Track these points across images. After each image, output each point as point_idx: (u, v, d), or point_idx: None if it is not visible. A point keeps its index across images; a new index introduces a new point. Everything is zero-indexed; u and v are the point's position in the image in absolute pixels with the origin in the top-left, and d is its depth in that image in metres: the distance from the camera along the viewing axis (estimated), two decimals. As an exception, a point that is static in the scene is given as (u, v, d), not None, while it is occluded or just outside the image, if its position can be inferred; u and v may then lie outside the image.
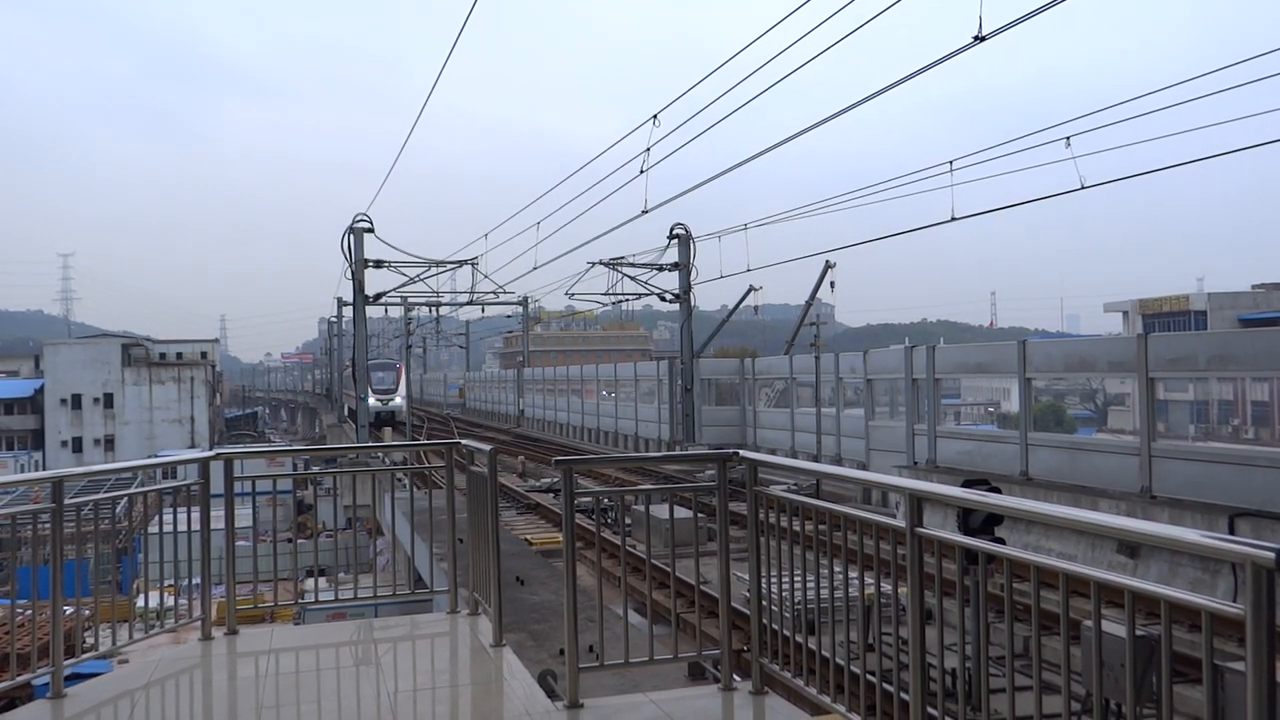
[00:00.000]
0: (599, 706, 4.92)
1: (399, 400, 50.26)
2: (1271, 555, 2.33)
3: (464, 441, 6.94)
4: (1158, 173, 14.18)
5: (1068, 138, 14.69)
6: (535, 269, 38.22)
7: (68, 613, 5.58)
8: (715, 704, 5.02)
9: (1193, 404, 35.70)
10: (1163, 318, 44.57)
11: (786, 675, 4.75)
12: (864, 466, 23.85)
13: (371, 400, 46.39)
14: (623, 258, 33.52)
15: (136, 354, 77.63)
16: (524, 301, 46.33)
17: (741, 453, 5.12)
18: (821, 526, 4.52)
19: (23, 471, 55.89)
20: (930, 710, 3.80)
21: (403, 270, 32.33)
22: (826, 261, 42.73)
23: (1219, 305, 42.55)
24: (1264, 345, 14.08)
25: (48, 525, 5.16)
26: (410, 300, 35.78)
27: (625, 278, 33.80)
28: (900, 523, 3.86)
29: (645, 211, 24.05)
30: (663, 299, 34.43)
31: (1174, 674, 2.78)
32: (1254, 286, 47.21)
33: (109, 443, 72.79)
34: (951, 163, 17.52)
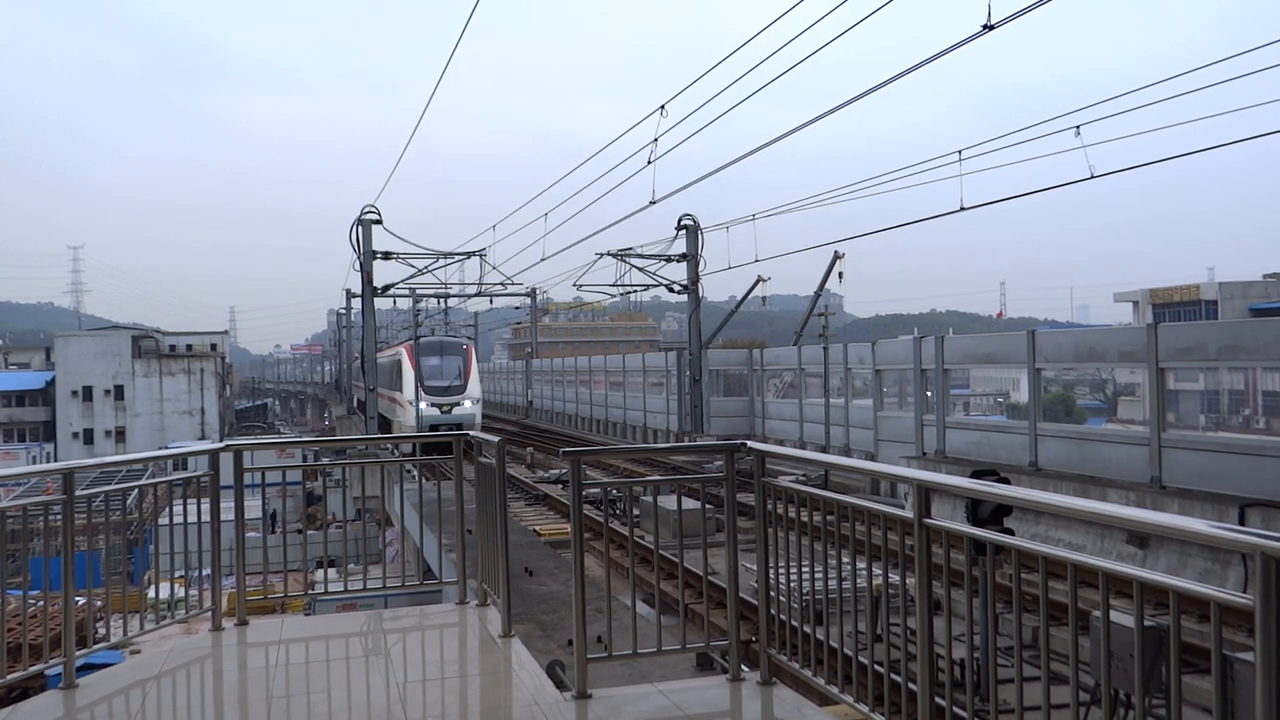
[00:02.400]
0: (607, 697, 4.93)
1: (469, 405, 33.53)
2: (1281, 546, 2.31)
3: (472, 433, 6.96)
4: (1168, 161, 14.11)
5: (1077, 127, 14.62)
6: (543, 260, 38.27)
7: (79, 604, 5.62)
8: (723, 694, 5.03)
9: (1203, 394, 35.51)
10: (1173, 307, 44.32)
11: (794, 666, 4.76)
12: (872, 457, 23.82)
13: (424, 405, 32.10)
14: (631, 249, 33.51)
15: (147, 346, 77.96)
16: (532, 293, 45.83)
17: (749, 444, 5.12)
18: (829, 517, 4.52)
19: (34, 463, 56.23)
20: (938, 700, 3.80)
21: (411, 262, 32.37)
22: (835, 252, 42.54)
23: (1230, 295, 42.26)
24: (1275, 335, 13.99)
25: (59, 517, 5.19)
26: (418, 292, 35.68)
27: (633, 269, 33.79)
28: (908, 513, 3.85)
29: (653, 202, 24.00)
30: (671, 290, 34.42)
31: (1183, 664, 2.78)
32: (1265, 276, 46.88)
33: (120, 434, 73.13)
34: (960, 152, 17.46)
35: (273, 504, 25.00)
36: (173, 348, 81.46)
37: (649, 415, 39.77)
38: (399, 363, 35.21)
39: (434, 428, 29.91)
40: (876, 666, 4.15)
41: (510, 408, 66.52)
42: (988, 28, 11.83)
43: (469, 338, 40.27)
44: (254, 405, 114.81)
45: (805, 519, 4.67)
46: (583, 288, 35.39)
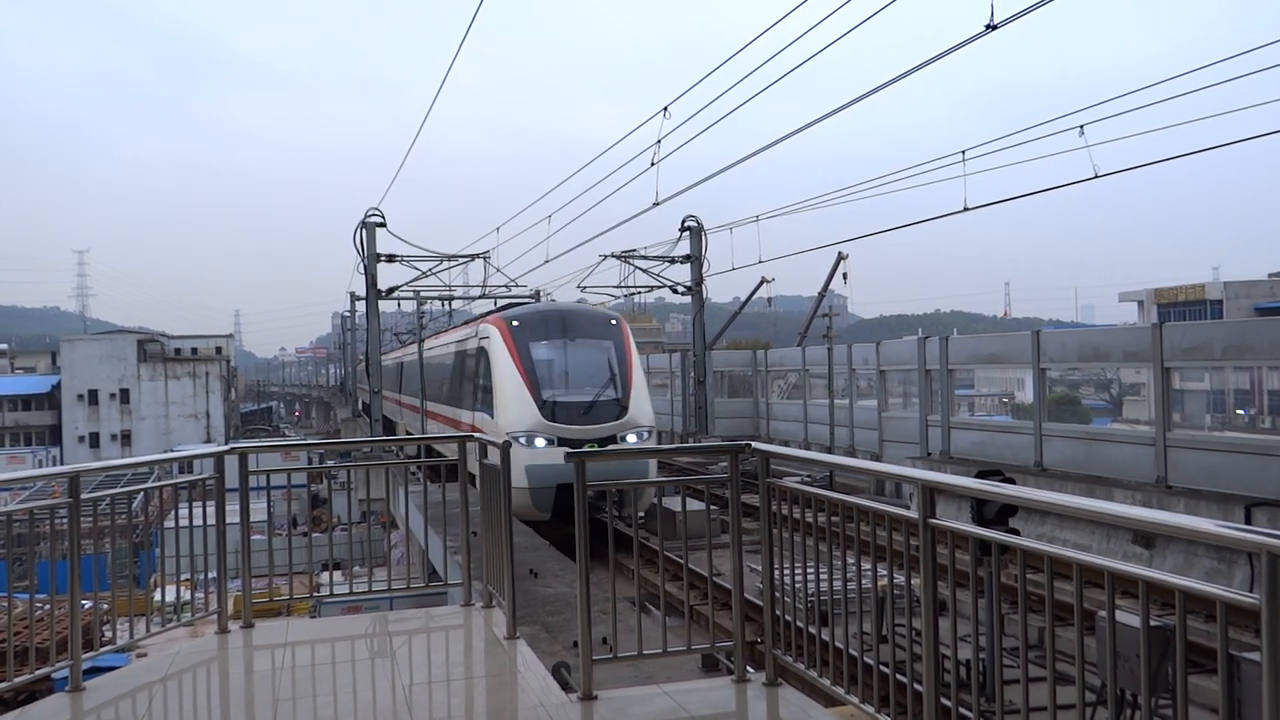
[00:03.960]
0: (613, 698, 4.94)
1: (635, 440, 17.69)
2: (1287, 545, 2.31)
3: (477, 434, 6.96)
4: (1172, 161, 14.07)
5: (1081, 126, 14.58)
6: (547, 262, 38.13)
7: (86, 607, 5.63)
8: (729, 695, 5.03)
9: (1208, 393, 35.44)
10: (1178, 307, 44.22)
11: (800, 667, 4.75)
12: (877, 458, 23.79)
13: (541, 443, 16.72)
14: (635, 250, 33.50)
15: (152, 350, 78.08)
16: (536, 295, 45.70)
17: (754, 445, 5.12)
18: (834, 518, 4.52)
19: (40, 467, 56.33)
20: (944, 701, 3.80)
21: (415, 264, 32.37)
22: (839, 252, 42.58)
23: (1235, 294, 42.16)
24: (1280, 334, 13.96)
25: (65, 520, 5.21)
26: (423, 294, 35.64)
27: (637, 270, 33.77)
28: (913, 514, 3.85)
29: (656, 204, 24.00)
30: (675, 291, 34.40)
31: (1189, 664, 2.77)
32: (1271, 275, 46.82)
33: (125, 438, 73.25)
34: (964, 152, 17.43)
35: (282, 506, 25.06)
36: (178, 351, 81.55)
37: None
38: (483, 353, 18.69)
39: (563, 491, 14.58)
40: (882, 667, 4.15)
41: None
42: (991, 27, 11.82)
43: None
44: (259, 408, 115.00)
45: (810, 520, 4.67)
46: (587, 289, 35.35)
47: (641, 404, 17.67)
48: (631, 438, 17.14)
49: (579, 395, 17.38)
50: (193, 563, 6.33)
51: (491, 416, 17.28)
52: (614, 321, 19.05)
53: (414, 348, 33.09)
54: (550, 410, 16.96)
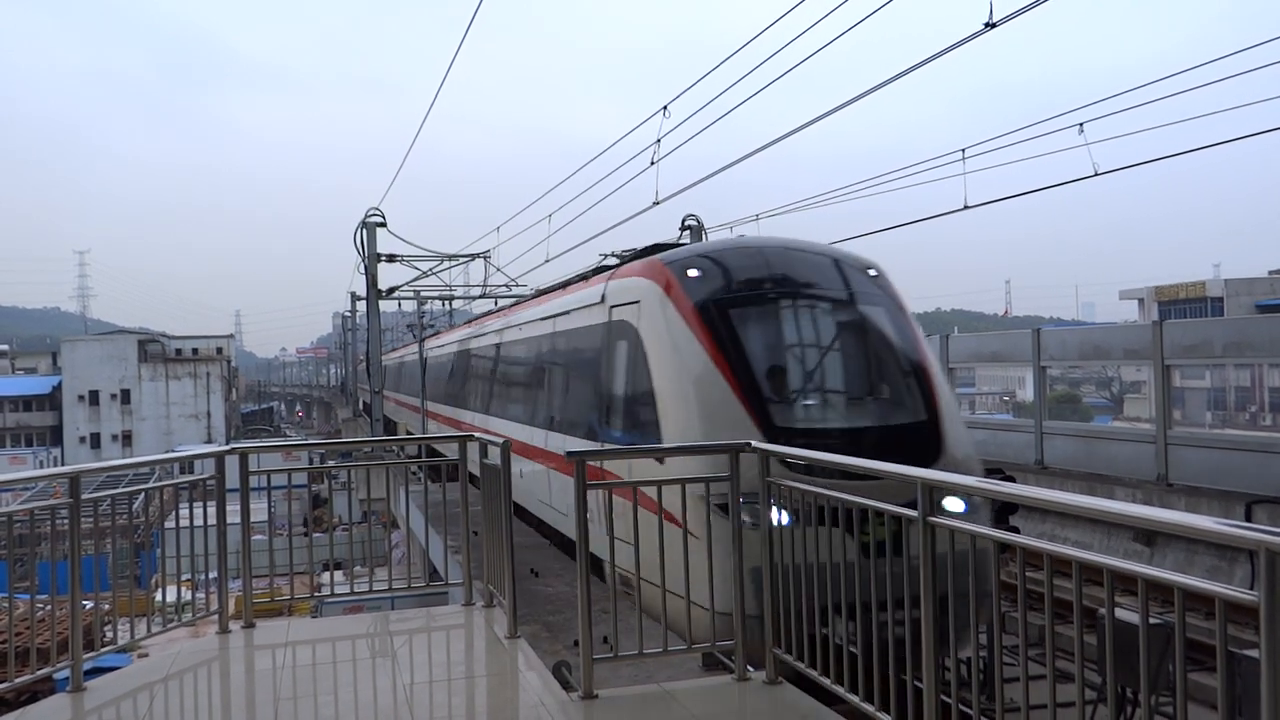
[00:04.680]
0: (614, 697, 4.94)
1: (965, 506, 6.31)
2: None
3: (477, 434, 6.97)
4: (1172, 158, 14.04)
5: (1080, 124, 14.55)
6: (547, 261, 37.96)
7: (87, 607, 5.63)
8: (730, 694, 5.04)
9: (1209, 391, 35.45)
10: (1179, 305, 44.19)
11: (800, 665, 4.76)
12: (878, 456, 23.75)
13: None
14: (635, 249, 33.46)
15: (153, 350, 78.07)
16: (537, 294, 45.40)
17: (754, 444, 5.13)
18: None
19: (41, 468, 56.35)
20: (944, 699, 3.80)
21: (415, 264, 32.34)
22: (839, 251, 42.48)
23: (1236, 292, 42.12)
24: (1281, 331, 13.96)
25: (66, 520, 5.21)
26: (423, 294, 35.54)
27: (638, 270, 33.66)
28: (914, 512, 3.86)
29: (657, 203, 23.96)
30: (675, 290, 34.32)
31: (1189, 661, 2.77)
32: (1271, 272, 46.74)
33: (127, 438, 73.25)
34: (964, 150, 17.40)
35: (283, 506, 25.02)
36: (179, 351, 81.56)
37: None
38: (626, 331, 9.23)
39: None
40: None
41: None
42: (989, 25, 11.80)
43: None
44: (260, 408, 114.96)
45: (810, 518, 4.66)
46: (588, 289, 35.18)
47: (957, 428, 8.60)
48: (954, 504, 6.26)
49: (848, 416, 8.54)
50: (194, 563, 6.33)
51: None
52: (873, 272, 9.43)
53: (458, 333, 24.52)
54: (775, 424, 8.10)
